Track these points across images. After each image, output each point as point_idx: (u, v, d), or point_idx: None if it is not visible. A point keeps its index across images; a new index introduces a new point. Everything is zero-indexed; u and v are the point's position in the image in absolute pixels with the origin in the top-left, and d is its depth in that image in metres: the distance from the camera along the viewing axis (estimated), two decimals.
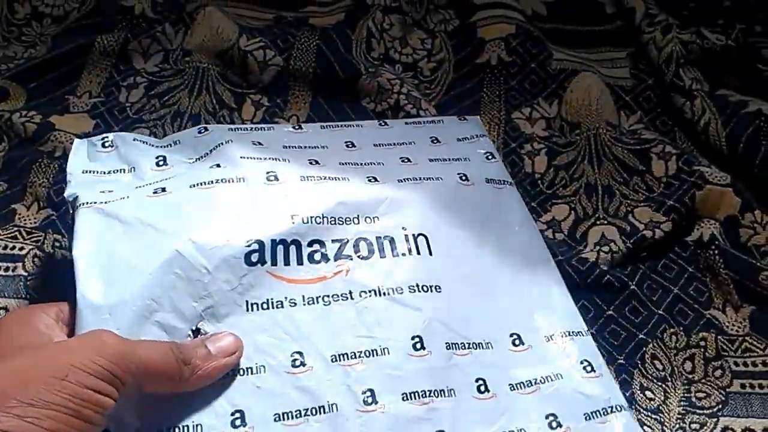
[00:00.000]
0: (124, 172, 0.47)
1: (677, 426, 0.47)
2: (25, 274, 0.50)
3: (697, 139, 0.62)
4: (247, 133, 0.51)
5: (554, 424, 0.40)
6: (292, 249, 0.42)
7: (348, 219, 0.45)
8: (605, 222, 0.57)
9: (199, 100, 0.63)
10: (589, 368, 0.43)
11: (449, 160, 0.52)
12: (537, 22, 0.71)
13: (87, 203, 0.42)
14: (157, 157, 0.48)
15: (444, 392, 0.39)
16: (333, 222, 0.44)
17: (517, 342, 0.44)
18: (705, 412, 0.48)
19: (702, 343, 0.51)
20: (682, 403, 0.48)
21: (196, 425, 0.36)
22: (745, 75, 0.67)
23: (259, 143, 0.49)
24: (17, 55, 0.66)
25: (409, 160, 0.52)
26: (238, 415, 0.36)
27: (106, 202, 0.42)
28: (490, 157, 0.54)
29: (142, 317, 0.38)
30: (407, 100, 0.62)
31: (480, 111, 0.64)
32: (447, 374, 0.40)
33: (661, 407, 0.48)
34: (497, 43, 0.66)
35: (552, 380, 0.42)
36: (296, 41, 0.66)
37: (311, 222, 0.43)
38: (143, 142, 0.49)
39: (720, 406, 0.48)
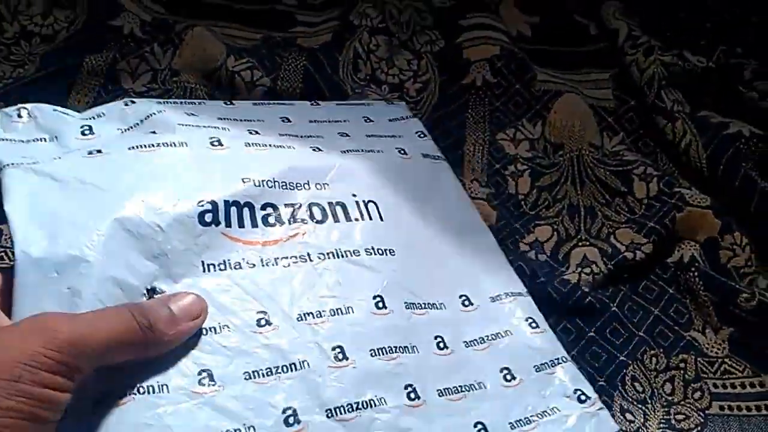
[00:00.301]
0: (45, 141, 0.43)
1: None
2: None
3: (678, 161, 0.63)
4: (179, 106, 0.49)
5: (508, 377, 0.43)
6: (246, 211, 0.42)
7: (299, 184, 0.45)
8: (587, 243, 0.57)
9: None
10: (534, 325, 0.47)
11: (385, 136, 0.54)
12: (522, 43, 0.72)
13: (13, 164, 0.39)
14: (82, 127, 0.44)
15: (408, 348, 0.41)
16: (284, 186, 0.44)
17: (466, 303, 0.46)
18: None
19: (682, 365, 0.52)
20: (661, 425, 0.49)
21: (161, 385, 0.34)
22: (726, 97, 0.68)
23: (193, 114, 0.48)
24: (6, 74, 0.66)
25: (347, 135, 0.53)
26: (205, 374, 0.35)
27: (35, 163, 0.39)
28: (422, 135, 0.57)
29: (93, 275, 0.35)
30: None
31: (465, 131, 0.64)
32: (409, 331, 0.42)
33: (640, 429, 0.48)
34: (482, 64, 0.67)
35: (502, 336, 0.45)
36: (283, 62, 0.66)
37: (263, 185, 0.43)
38: (65, 114, 0.45)
39: (699, 428, 0.49)
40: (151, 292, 0.37)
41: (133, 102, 0.47)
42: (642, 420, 0.49)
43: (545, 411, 0.42)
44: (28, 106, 0.45)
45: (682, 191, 0.59)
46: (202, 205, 0.40)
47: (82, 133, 0.44)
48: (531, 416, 0.41)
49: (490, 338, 0.45)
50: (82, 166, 0.40)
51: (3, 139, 0.42)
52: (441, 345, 0.43)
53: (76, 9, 0.71)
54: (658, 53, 0.68)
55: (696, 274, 0.55)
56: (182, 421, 0.34)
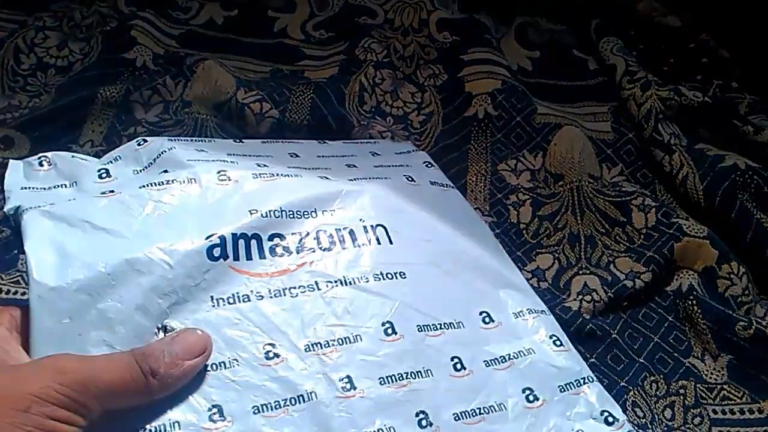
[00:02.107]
0: (65, 186, 0.45)
1: None
2: None
3: (675, 192, 0.65)
4: (189, 143, 0.50)
5: (531, 398, 0.41)
6: (254, 243, 0.42)
7: (306, 212, 0.45)
8: (588, 272, 0.59)
9: None
10: (558, 343, 0.46)
11: (393, 166, 0.56)
12: (522, 76, 0.74)
13: (32, 207, 0.40)
14: (99, 171, 0.46)
15: (421, 373, 0.40)
16: (291, 215, 0.44)
17: (487, 319, 0.45)
18: None
19: (682, 391, 0.53)
20: None
21: (173, 423, 0.34)
22: (722, 130, 0.69)
23: (203, 150, 0.49)
24: (22, 105, 0.68)
25: (354, 166, 0.54)
26: (215, 410, 0.35)
27: (52, 204, 0.41)
28: (429, 165, 0.58)
29: (105, 318, 0.36)
30: None
31: (467, 162, 0.66)
32: (422, 355, 0.41)
33: None
34: (484, 97, 0.69)
35: (525, 355, 0.44)
36: (291, 94, 0.68)
37: (270, 216, 0.43)
38: (83, 160, 0.47)
39: None
40: (163, 329, 0.38)
41: (146, 141, 0.48)
42: None
43: None
44: (48, 154, 0.47)
45: (680, 222, 0.60)
46: (211, 240, 0.41)
47: (100, 177, 0.45)
48: None
49: (512, 357, 0.43)
50: (95, 208, 0.41)
51: (25, 188, 0.43)
52: (458, 366, 0.42)
53: (91, 42, 0.73)
54: (655, 88, 0.70)
55: (694, 302, 0.56)
56: None
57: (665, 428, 0.51)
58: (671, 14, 0.80)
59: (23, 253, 0.38)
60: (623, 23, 0.80)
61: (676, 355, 0.55)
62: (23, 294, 0.53)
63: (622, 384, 0.53)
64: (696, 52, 0.78)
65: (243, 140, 0.56)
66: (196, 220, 0.42)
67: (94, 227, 0.40)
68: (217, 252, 0.40)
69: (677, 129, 0.68)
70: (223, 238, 0.41)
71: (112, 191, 0.43)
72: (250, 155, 0.51)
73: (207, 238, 0.41)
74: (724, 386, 0.53)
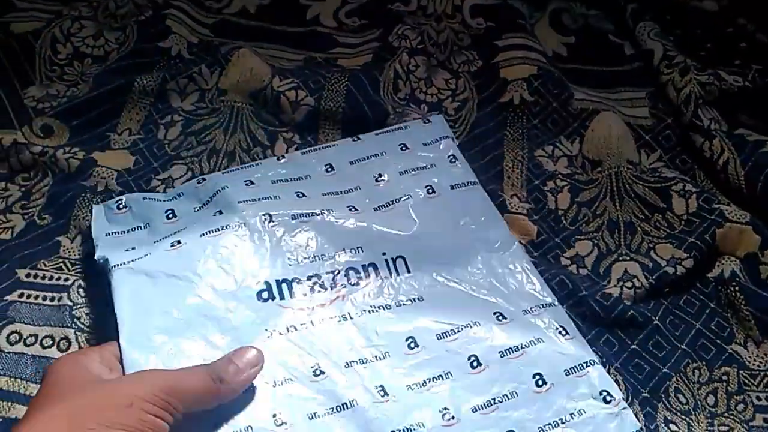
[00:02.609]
0: (141, 228, 0.54)
1: None
2: (71, 303, 0.52)
3: (716, 178, 0.64)
4: (238, 173, 0.58)
5: (540, 382, 0.47)
6: (294, 284, 0.50)
7: (337, 253, 0.52)
8: (628, 258, 0.58)
9: (234, 137, 0.65)
10: (564, 332, 0.50)
11: (417, 169, 0.59)
12: (558, 62, 0.73)
13: (117, 265, 0.49)
14: (166, 211, 0.55)
15: (442, 376, 0.47)
16: (324, 258, 0.52)
17: (500, 318, 0.50)
18: None
19: (724, 378, 0.52)
20: None
21: (247, 427, 0.43)
22: (762, 115, 0.68)
23: (251, 182, 0.57)
24: (60, 94, 0.68)
25: (383, 178, 0.59)
26: (278, 416, 0.43)
27: (133, 260, 0.49)
28: (453, 159, 0.60)
29: (179, 353, 0.45)
30: None
31: (503, 149, 0.66)
32: (443, 360, 0.47)
33: None
34: (519, 83, 0.68)
35: (535, 344, 0.49)
36: (326, 82, 0.68)
37: (305, 261, 0.51)
38: (152, 199, 0.57)
39: None
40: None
41: (204, 179, 0.57)
42: (686, 431, 0.49)
43: (572, 413, 0.45)
44: (123, 198, 0.56)
45: (722, 207, 0.59)
46: (259, 285, 0.49)
47: (167, 217, 0.54)
48: (559, 419, 0.45)
49: (523, 346, 0.48)
50: (167, 260, 0.50)
51: (109, 233, 0.53)
52: (474, 364, 0.47)
53: (126, 31, 0.74)
54: (693, 73, 0.69)
55: (737, 288, 0.56)
56: None
57: (708, 414, 0.51)
58: None
59: (112, 307, 0.47)
60: (659, 8, 0.79)
61: (718, 341, 0.54)
62: (66, 279, 0.54)
63: (665, 370, 0.52)
64: (734, 37, 0.77)
65: (285, 156, 0.61)
66: (247, 267, 0.50)
67: (168, 276, 0.49)
68: (265, 295, 0.49)
69: (717, 114, 0.67)
70: (268, 283, 0.50)
71: (179, 242, 0.51)
72: (290, 180, 0.58)
73: (257, 283, 0.49)
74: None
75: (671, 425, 0.50)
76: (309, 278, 0.51)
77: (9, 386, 0.48)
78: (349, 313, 0.49)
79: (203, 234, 0.51)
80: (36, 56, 0.71)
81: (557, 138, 0.67)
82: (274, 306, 0.49)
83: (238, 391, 0.42)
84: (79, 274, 0.54)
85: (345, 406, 0.45)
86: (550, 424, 0.45)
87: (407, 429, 0.44)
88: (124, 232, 0.54)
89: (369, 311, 0.50)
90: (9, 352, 0.50)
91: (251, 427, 0.43)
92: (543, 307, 0.51)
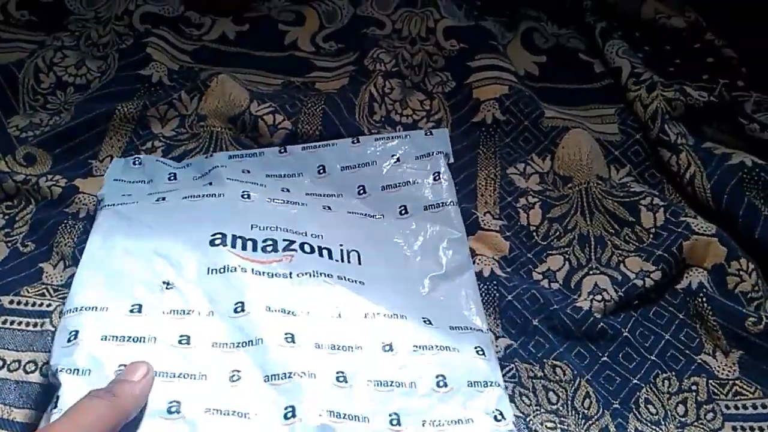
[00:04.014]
0: (144, 183, 0.62)
1: None
2: (53, 329, 0.53)
3: (683, 191, 0.66)
4: (240, 161, 0.64)
5: (441, 383, 0.48)
6: (249, 242, 0.54)
7: (298, 233, 0.56)
8: (598, 272, 0.60)
9: None
10: (481, 352, 0.51)
11: (399, 185, 0.62)
12: (529, 81, 0.75)
13: (108, 205, 0.58)
14: (169, 174, 0.62)
15: (351, 348, 0.49)
16: (285, 231, 0.55)
17: (426, 322, 0.52)
18: None
19: (694, 388, 0.54)
20: None
21: (153, 337, 0.48)
22: (728, 129, 0.70)
23: (247, 171, 0.62)
24: (43, 123, 0.70)
25: (364, 191, 0.62)
26: (183, 338, 0.48)
27: (122, 204, 0.57)
28: (437, 177, 0.62)
29: (124, 276, 0.51)
30: None
31: (477, 167, 0.67)
32: (358, 335, 0.49)
33: None
34: (492, 103, 0.70)
35: (449, 350, 0.50)
36: (303, 106, 0.70)
37: (267, 230, 0.55)
38: (163, 163, 0.64)
39: None
40: (165, 284, 0.51)
41: (212, 155, 0.64)
42: None
43: (460, 419, 0.46)
44: (141, 156, 0.65)
45: (689, 220, 0.61)
46: (215, 235, 0.54)
47: (169, 179, 0.62)
48: (446, 420, 0.46)
49: (438, 348, 0.50)
50: (148, 211, 0.57)
51: (117, 180, 0.62)
52: (387, 348, 0.49)
53: (108, 60, 0.75)
54: (660, 88, 0.71)
55: (705, 299, 0.57)
56: None
57: (678, 424, 0.52)
58: (676, 15, 0.81)
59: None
60: (628, 25, 0.81)
61: (687, 352, 0.56)
62: (48, 305, 0.55)
63: (635, 381, 0.54)
64: (701, 52, 0.79)
65: (287, 149, 0.65)
66: (210, 224, 0.55)
67: (141, 223, 0.55)
68: (218, 241, 0.53)
69: (684, 129, 0.69)
70: (224, 235, 0.54)
71: (164, 198, 0.58)
72: (282, 176, 0.63)
73: (212, 233, 0.54)
74: (737, 382, 0.54)
75: None
76: (264, 241, 0.54)
77: None
78: (290, 273, 0.52)
79: (186, 197, 0.57)
80: (19, 86, 0.72)
81: (529, 155, 0.68)
82: (221, 250, 0.52)
83: (139, 401, 0.42)
84: (61, 300, 0.55)
85: (251, 342, 0.47)
86: (435, 421, 0.46)
87: (300, 374, 0.45)
88: (130, 182, 0.62)
89: (309, 275, 0.52)
90: None
91: (155, 338, 0.47)
92: (470, 329, 0.53)
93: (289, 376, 0.45)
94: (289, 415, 0.44)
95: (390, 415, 0.45)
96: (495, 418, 0.47)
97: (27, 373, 0.51)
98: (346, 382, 0.46)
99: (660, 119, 0.68)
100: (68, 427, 0.38)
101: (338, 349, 0.48)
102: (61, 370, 0.45)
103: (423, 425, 0.46)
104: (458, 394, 0.47)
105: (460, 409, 0.47)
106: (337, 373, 0.47)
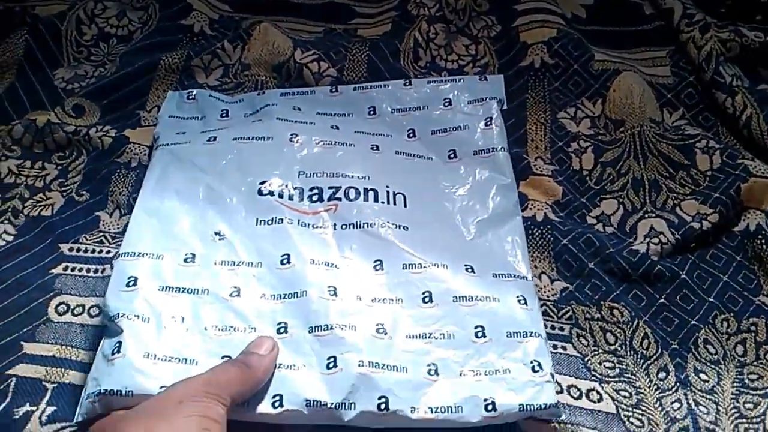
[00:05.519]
0: (197, 119, 0.63)
1: (731, 405, 0.49)
2: None
3: (739, 134, 0.64)
4: (292, 98, 0.64)
5: (479, 334, 0.48)
6: (296, 192, 0.54)
7: (344, 175, 0.56)
8: (654, 215, 0.59)
9: None
10: (523, 302, 0.50)
11: (448, 130, 0.61)
12: (577, 24, 0.74)
13: (163, 144, 0.59)
14: (222, 110, 0.63)
15: (392, 300, 0.49)
16: (331, 176, 0.56)
17: (469, 270, 0.52)
18: (758, 392, 0.50)
19: (753, 328, 0.53)
20: (735, 384, 0.50)
21: (204, 289, 0.49)
22: None
23: (298, 108, 0.63)
24: (88, 74, 0.70)
25: (413, 134, 0.62)
26: (235, 290, 0.49)
27: (176, 144, 0.58)
28: (488, 123, 0.61)
29: (174, 221, 0.53)
30: None
31: (526, 112, 0.66)
32: (399, 287, 0.50)
33: (715, 388, 0.50)
34: (539, 46, 0.69)
35: (489, 301, 0.50)
36: (348, 52, 0.69)
37: (314, 176, 0.55)
38: (216, 98, 0.65)
39: None
40: (217, 234, 0.52)
41: (264, 92, 0.65)
42: (716, 380, 0.51)
43: (498, 370, 0.46)
44: (194, 91, 0.65)
45: (746, 162, 0.60)
46: (263, 185, 0.54)
47: (221, 115, 0.63)
48: (483, 370, 0.46)
49: (478, 299, 0.50)
50: (200, 151, 0.58)
51: (172, 116, 0.63)
52: (426, 299, 0.49)
53: (148, 10, 0.75)
54: (714, 29, 0.69)
55: (763, 241, 0.56)
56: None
57: (737, 364, 0.52)
58: None
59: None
60: None
61: (745, 293, 0.55)
62: (107, 252, 0.56)
63: (693, 323, 0.53)
64: None
65: (338, 89, 0.65)
66: (259, 171, 0.55)
67: (193, 164, 0.56)
68: (265, 191, 0.54)
69: (739, 70, 0.67)
70: (272, 183, 0.54)
71: (215, 138, 0.59)
72: (333, 115, 0.63)
73: (261, 182, 0.54)
74: None
75: (701, 374, 0.51)
76: (311, 189, 0.54)
77: (61, 354, 0.50)
78: (334, 224, 0.53)
79: (236, 138, 0.58)
80: (62, 38, 0.72)
81: (579, 99, 0.67)
82: (269, 200, 0.53)
83: (267, 373, 0.44)
84: (119, 247, 0.56)
85: (296, 294, 0.48)
86: (472, 370, 0.46)
87: (341, 326, 0.46)
88: (184, 118, 0.63)
89: (353, 226, 0.53)
90: (58, 322, 0.52)
91: (207, 290, 0.48)
92: (514, 277, 0.52)
93: (331, 328, 0.46)
94: (331, 365, 0.45)
95: (428, 366, 0.46)
96: (533, 368, 0.46)
97: (91, 317, 0.52)
98: (386, 333, 0.47)
99: (714, 61, 0.67)
100: (205, 385, 0.40)
101: (378, 301, 0.49)
102: (121, 316, 0.46)
103: (460, 375, 0.46)
104: (496, 344, 0.47)
105: (497, 360, 0.47)
106: (377, 325, 0.47)
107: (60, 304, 0.53)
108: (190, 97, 0.65)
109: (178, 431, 0.37)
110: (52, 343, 0.51)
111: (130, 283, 0.48)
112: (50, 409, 0.47)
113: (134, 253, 0.50)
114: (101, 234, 0.57)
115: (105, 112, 0.67)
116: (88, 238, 0.57)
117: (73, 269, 0.55)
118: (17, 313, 0.52)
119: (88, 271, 0.55)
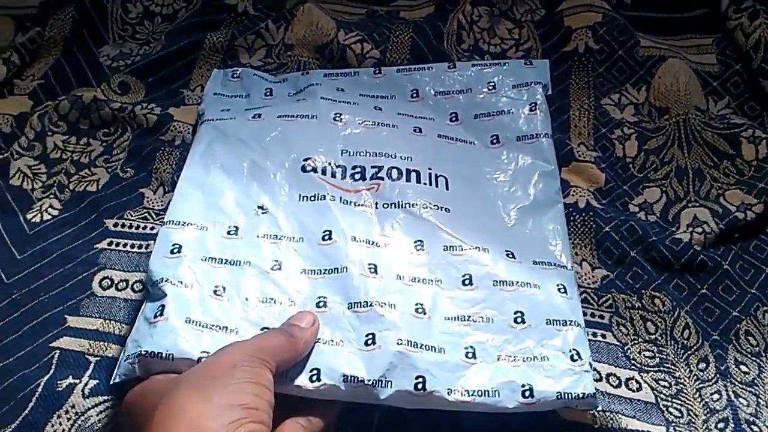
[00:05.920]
0: (241, 97, 0.64)
1: None
2: None
3: None
4: (336, 79, 0.64)
5: (519, 320, 0.48)
6: (339, 170, 0.55)
7: (387, 155, 0.56)
8: (697, 204, 0.58)
9: None
10: (563, 291, 0.50)
11: (492, 114, 0.61)
12: (622, 10, 0.73)
13: (208, 120, 0.59)
14: (266, 89, 0.64)
15: (432, 281, 0.49)
16: (374, 155, 0.56)
17: (509, 255, 0.51)
18: None
19: None
20: None
21: (246, 261, 0.49)
22: None
23: (342, 89, 0.63)
24: (133, 52, 0.71)
25: (456, 117, 0.61)
26: (276, 263, 0.49)
27: (221, 120, 0.59)
28: (533, 108, 0.60)
29: (218, 194, 0.53)
30: None
31: (569, 98, 0.66)
32: (439, 269, 0.50)
33: (756, 380, 0.50)
34: (584, 31, 0.68)
35: (530, 287, 0.49)
36: (391, 34, 0.69)
37: (357, 155, 0.56)
38: (260, 77, 0.66)
39: None
40: (260, 208, 0.53)
41: (308, 72, 0.66)
42: (757, 372, 0.50)
43: (536, 357, 0.46)
44: (239, 69, 0.66)
45: None
46: (306, 161, 0.55)
47: (265, 94, 0.64)
48: (521, 356, 0.46)
49: (518, 284, 0.49)
50: (244, 127, 0.58)
51: (216, 93, 0.64)
52: (467, 282, 0.49)
53: None
54: (763, 16, 0.67)
55: None
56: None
57: None
58: None
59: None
60: None
61: None
62: (152, 228, 0.57)
63: (735, 314, 0.53)
64: None
65: (381, 70, 0.65)
66: (302, 147, 0.56)
67: (237, 138, 0.57)
68: (308, 168, 0.54)
69: None
70: (315, 160, 0.55)
71: (260, 115, 0.59)
72: (375, 97, 0.63)
73: (304, 158, 0.55)
74: None
75: (742, 366, 0.50)
76: (354, 168, 0.55)
77: (105, 328, 0.51)
78: (376, 203, 0.53)
79: (280, 116, 0.58)
80: (108, 16, 0.73)
81: (623, 86, 0.66)
82: (312, 177, 0.54)
83: (308, 346, 0.44)
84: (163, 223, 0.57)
85: (336, 270, 0.49)
86: (510, 355, 0.46)
87: (380, 304, 0.47)
88: (228, 96, 0.64)
89: (395, 206, 0.53)
90: (102, 297, 0.53)
91: (249, 262, 0.49)
92: (554, 266, 0.51)
93: (370, 305, 0.46)
94: (369, 342, 0.45)
95: (465, 348, 0.46)
96: (571, 357, 0.46)
97: (135, 292, 0.53)
98: (425, 314, 0.47)
99: (763, 49, 0.66)
100: (256, 350, 0.41)
101: (418, 281, 0.49)
102: (165, 281, 0.47)
103: (498, 360, 0.46)
104: (535, 331, 0.47)
105: (536, 347, 0.46)
106: (416, 304, 0.47)
107: (104, 278, 0.54)
108: (235, 75, 0.65)
109: (233, 395, 0.37)
110: (95, 317, 0.52)
111: (175, 250, 0.49)
112: (93, 382, 0.48)
113: (179, 222, 0.51)
114: (145, 210, 0.58)
115: (150, 89, 0.67)
116: (132, 214, 0.58)
117: (117, 244, 0.56)
118: (62, 287, 0.54)
119: (132, 246, 0.56)
